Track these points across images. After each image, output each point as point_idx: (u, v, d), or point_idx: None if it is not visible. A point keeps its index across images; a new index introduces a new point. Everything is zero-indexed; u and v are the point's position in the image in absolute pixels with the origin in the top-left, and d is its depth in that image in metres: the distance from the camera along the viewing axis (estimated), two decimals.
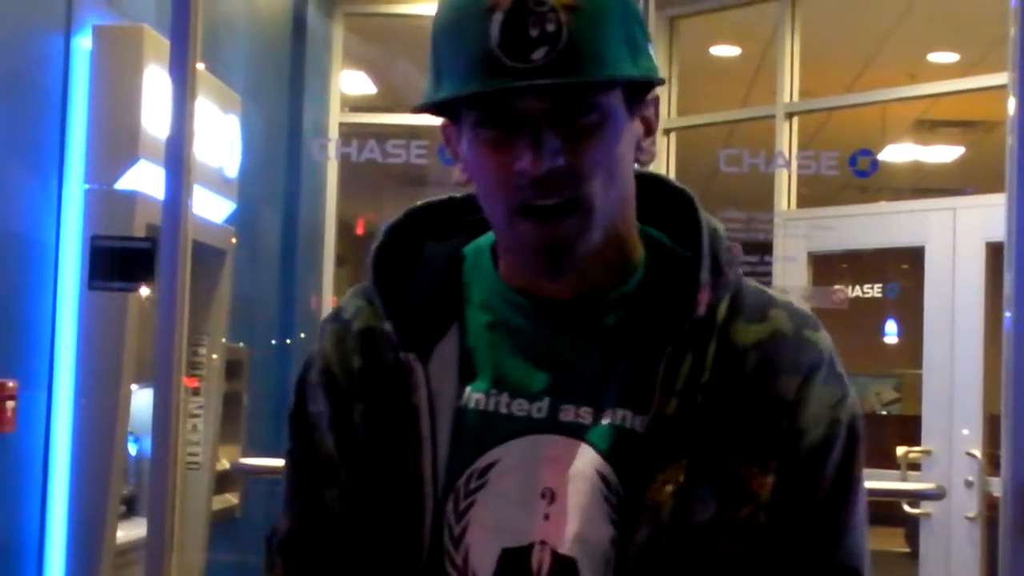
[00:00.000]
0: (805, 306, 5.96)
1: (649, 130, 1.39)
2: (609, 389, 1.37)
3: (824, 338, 1.46)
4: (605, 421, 1.36)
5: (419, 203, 1.49)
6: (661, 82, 1.36)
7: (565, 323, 1.39)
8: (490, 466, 1.37)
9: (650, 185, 1.47)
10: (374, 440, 1.40)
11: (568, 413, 1.37)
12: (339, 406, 1.44)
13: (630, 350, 1.38)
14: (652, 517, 1.33)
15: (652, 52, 1.37)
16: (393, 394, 1.39)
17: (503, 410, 1.38)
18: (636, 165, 1.40)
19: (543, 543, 1.35)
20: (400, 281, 1.44)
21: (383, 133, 6.52)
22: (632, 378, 1.37)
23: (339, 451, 1.43)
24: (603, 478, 1.35)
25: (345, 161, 6.50)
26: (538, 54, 1.26)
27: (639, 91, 1.36)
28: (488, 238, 1.47)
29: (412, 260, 1.46)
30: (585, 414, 1.37)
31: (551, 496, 1.36)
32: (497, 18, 1.27)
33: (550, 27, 1.27)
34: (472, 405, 1.39)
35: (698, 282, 1.37)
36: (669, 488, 1.32)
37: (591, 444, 1.36)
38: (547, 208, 1.30)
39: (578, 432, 1.37)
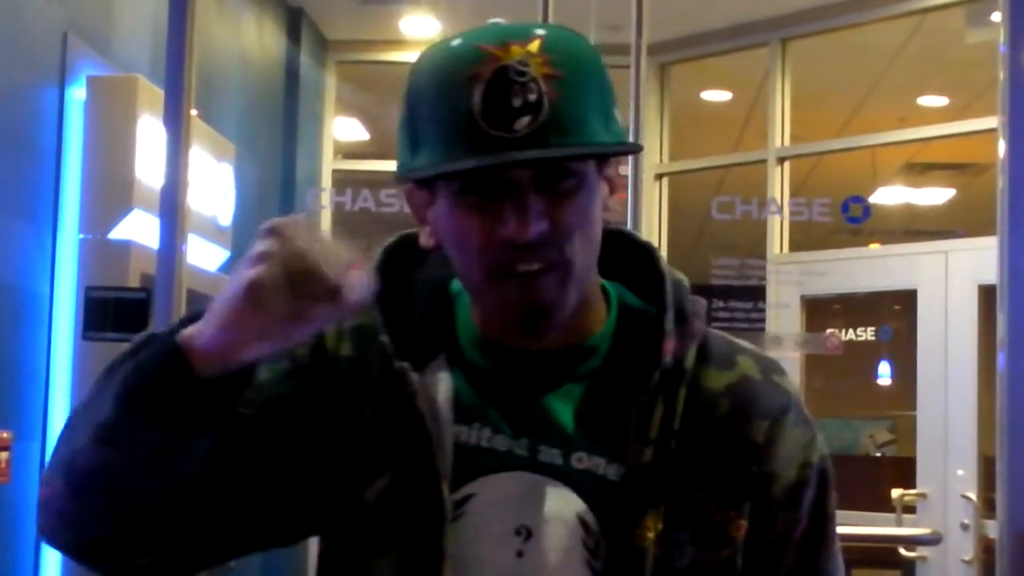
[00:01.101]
0: (799, 352, 5.96)
1: (613, 188, 1.42)
2: (583, 437, 1.39)
3: (791, 382, 1.49)
4: (581, 467, 1.38)
5: (411, 231, 1.49)
6: (638, 149, 1.39)
7: (538, 373, 1.41)
8: (467, 499, 1.38)
9: (615, 240, 1.49)
10: (382, 440, 1.40)
11: (546, 455, 1.39)
12: (311, 372, 1.43)
13: (602, 400, 1.41)
14: (635, 564, 1.34)
15: (618, 115, 1.39)
16: (392, 398, 1.40)
17: (484, 444, 1.39)
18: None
19: None
20: (392, 300, 1.44)
21: (376, 181, 6.55)
22: (606, 427, 1.39)
23: (278, 406, 1.40)
24: (583, 523, 1.37)
25: (339, 209, 6.52)
26: (520, 124, 1.28)
27: (607, 154, 1.39)
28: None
29: (403, 283, 1.46)
30: (556, 456, 1.39)
31: (527, 533, 1.37)
32: (479, 88, 1.28)
33: (532, 97, 1.28)
34: (453, 436, 1.40)
35: (663, 332, 1.40)
36: (650, 535, 1.35)
37: (571, 487, 1.38)
38: (530, 272, 1.32)
39: (557, 474, 1.38)
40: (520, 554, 1.37)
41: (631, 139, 3.90)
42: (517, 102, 1.28)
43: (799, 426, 1.44)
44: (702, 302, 1.46)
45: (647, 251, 1.49)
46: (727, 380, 1.42)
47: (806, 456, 1.44)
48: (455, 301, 1.47)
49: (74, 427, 1.32)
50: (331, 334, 1.44)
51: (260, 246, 1.20)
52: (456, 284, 1.47)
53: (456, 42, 1.33)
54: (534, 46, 1.30)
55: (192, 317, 1.27)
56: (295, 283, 1.18)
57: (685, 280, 1.47)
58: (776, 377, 1.46)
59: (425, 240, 1.41)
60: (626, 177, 3.94)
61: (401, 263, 1.47)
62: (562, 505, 1.37)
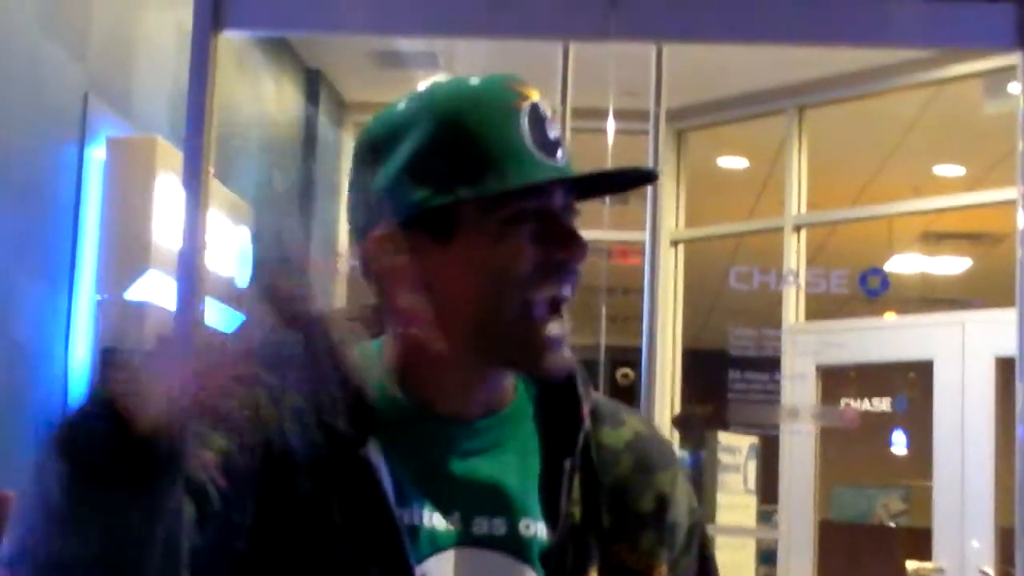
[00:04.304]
0: (817, 425, 5.94)
1: None
2: (520, 505, 1.40)
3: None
4: (525, 534, 1.39)
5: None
6: (655, 176, 1.45)
7: (467, 439, 1.41)
8: None
9: None
10: (339, 524, 1.34)
11: (487, 526, 1.39)
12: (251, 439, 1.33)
13: (529, 466, 1.42)
14: None
15: None
16: (350, 483, 1.35)
17: (425, 524, 1.37)
18: None
19: None
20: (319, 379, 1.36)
21: None
22: (538, 492, 1.41)
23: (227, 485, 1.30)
24: None
25: (354, 272, 6.52)
26: (560, 153, 1.35)
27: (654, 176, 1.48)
28: (370, 351, 1.43)
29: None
30: (499, 526, 1.39)
31: None
32: (523, 120, 1.34)
33: (557, 133, 1.37)
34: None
35: (578, 396, 1.44)
36: None
37: (514, 556, 1.38)
38: (563, 299, 1.36)
39: (499, 544, 1.38)
40: None
41: (648, 206, 3.90)
42: (553, 135, 1.35)
43: (685, 473, 1.54)
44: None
45: None
46: (624, 437, 1.48)
47: (691, 501, 1.52)
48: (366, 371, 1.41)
49: (27, 520, 1.19)
50: (276, 390, 1.36)
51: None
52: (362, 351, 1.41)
53: (476, 81, 1.38)
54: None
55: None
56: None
57: None
58: (659, 431, 1.56)
59: (408, 294, 1.37)
60: (641, 243, 3.93)
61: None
62: (509, 574, 1.38)
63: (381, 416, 1.37)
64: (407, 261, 1.37)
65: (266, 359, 1.23)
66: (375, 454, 1.35)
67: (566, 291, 1.36)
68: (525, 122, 1.33)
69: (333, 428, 1.35)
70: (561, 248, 1.34)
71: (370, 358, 1.41)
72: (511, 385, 1.45)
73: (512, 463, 1.42)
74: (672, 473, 1.49)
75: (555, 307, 1.35)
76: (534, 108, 1.35)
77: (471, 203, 1.33)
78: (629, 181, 1.43)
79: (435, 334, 1.38)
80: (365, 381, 1.33)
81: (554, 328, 1.35)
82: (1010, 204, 3.68)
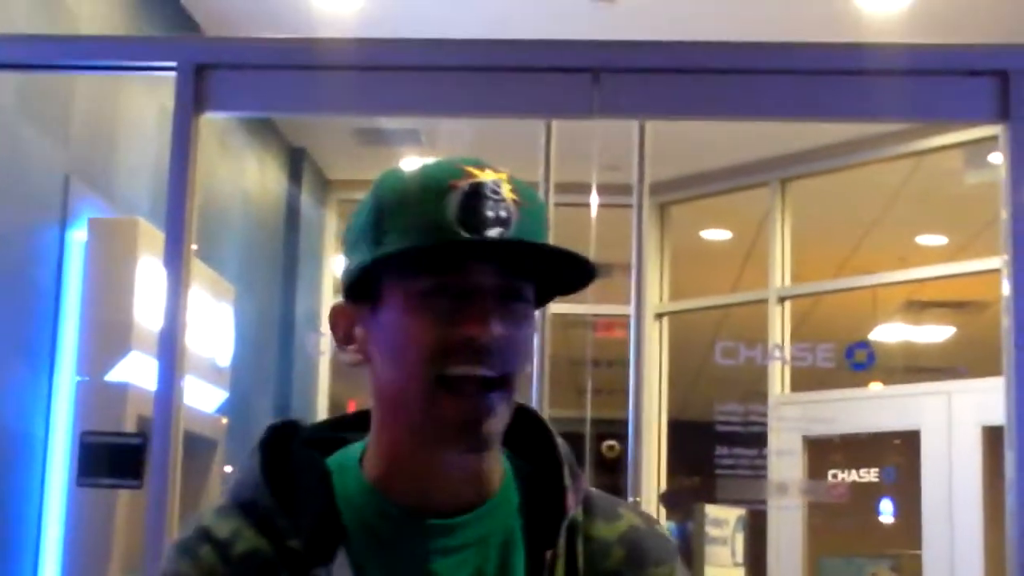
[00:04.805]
0: (804, 500, 5.92)
1: None
2: None
3: (668, 531, 1.57)
4: None
5: (277, 422, 1.49)
6: (593, 273, 1.37)
7: (447, 537, 1.39)
8: None
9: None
10: None
11: None
12: None
13: (514, 557, 1.41)
14: None
15: None
16: None
17: None
18: None
19: None
20: (281, 499, 1.40)
21: None
22: None
23: None
24: None
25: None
26: (493, 231, 1.33)
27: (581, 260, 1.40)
28: (352, 453, 1.45)
29: (286, 478, 1.42)
30: None
31: None
32: (456, 195, 1.34)
33: (503, 213, 1.34)
34: None
35: (564, 487, 1.42)
36: None
37: None
38: (481, 379, 1.33)
39: None
40: None
41: (633, 280, 3.89)
42: (491, 214, 1.33)
43: (685, 569, 1.50)
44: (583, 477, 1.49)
45: (525, 411, 1.49)
46: (617, 531, 1.45)
47: None
48: (342, 474, 1.43)
49: None
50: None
51: None
52: (336, 458, 1.44)
53: (428, 162, 1.39)
54: (504, 174, 1.37)
55: None
56: None
57: (564, 442, 1.49)
58: (658, 527, 1.52)
59: (350, 359, 1.42)
60: (626, 316, 3.92)
61: (279, 454, 1.44)
62: None
63: (358, 522, 1.38)
64: (348, 333, 1.42)
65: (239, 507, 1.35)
66: (342, 568, 1.34)
67: (483, 371, 1.33)
68: (454, 199, 1.33)
69: (291, 551, 1.35)
70: (470, 327, 1.32)
71: (350, 461, 1.43)
72: (491, 474, 1.42)
73: (495, 558, 1.40)
74: (669, 569, 1.46)
75: (471, 386, 1.33)
76: (476, 187, 1.34)
77: (392, 274, 1.35)
78: (578, 277, 1.39)
79: (380, 412, 1.41)
80: (327, 494, 1.37)
81: (468, 407, 1.33)
82: (993, 272, 3.68)
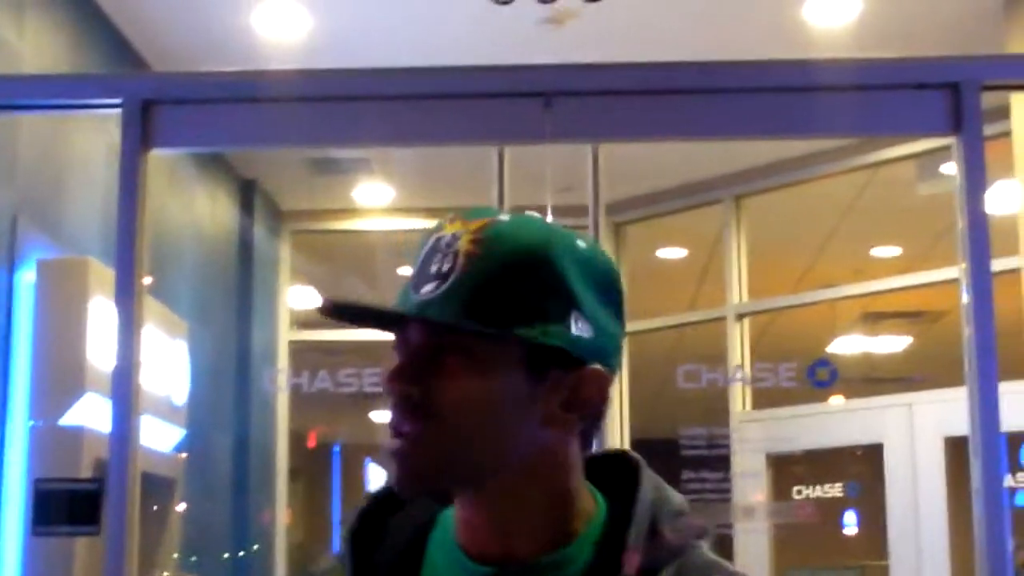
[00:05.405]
0: (771, 523, 5.89)
1: (570, 402, 1.36)
2: None
3: None
4: None
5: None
6: (578, 350, 1.34)
7: None
8: None
9: (614, 461, 1.46)
10: None
11: None
12: None
13: None
14: None
15: (576, 320, 1.35)
16: None
17: None
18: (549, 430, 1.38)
19: None
20: (368, 554, 1.42)
21: (334, 350, 6.48)
22: None
23: None
24: None
25: (296, 390, 6.45)
26: (427, 288, 1.32)
27: (552, 355, 1.34)
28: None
29: (377, 535, 1.44)
30: None
31: None
32: (422, 251, 1.35)
33: (445, 267, 1.32)
34: None
35: (624, 543, 1.35)
36: None
37: None
38: (392, 431, 1.34)
39: None
40: None
41: None
42: (434, 268, 1.33)
43: None
44: (691, 523, 1.41)
45: (630, 465, 1.45)
46: None
47: None
48: (443, 522, 1.43)
49: None
50: None
51: None
52: (447, 509, 1.44)
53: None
54: (476, 225, 1.34)
55: None
56: None
57: (676, 499, 1.42)
58: None
59: None
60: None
61: (379, 514, 1.46)
62: None
63: (442, 567, 1.39)
64: None
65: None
66: None
67: (391, 419, 1.34)
68: (421, 253, 1.35)
69: None
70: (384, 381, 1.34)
71: (447, 519, 1.44)
72: (508, 525, 1.38)
73: None
74: None
75: (393, 431, 1.33)
76: (436, 240, 1.34)
77: None
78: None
79: None
80: (410, 544, 1.42)
81: (392, 450, 1.33)
82: (949, 283, 3.68)
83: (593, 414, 1.39)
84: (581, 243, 1.36)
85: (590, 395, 1.36)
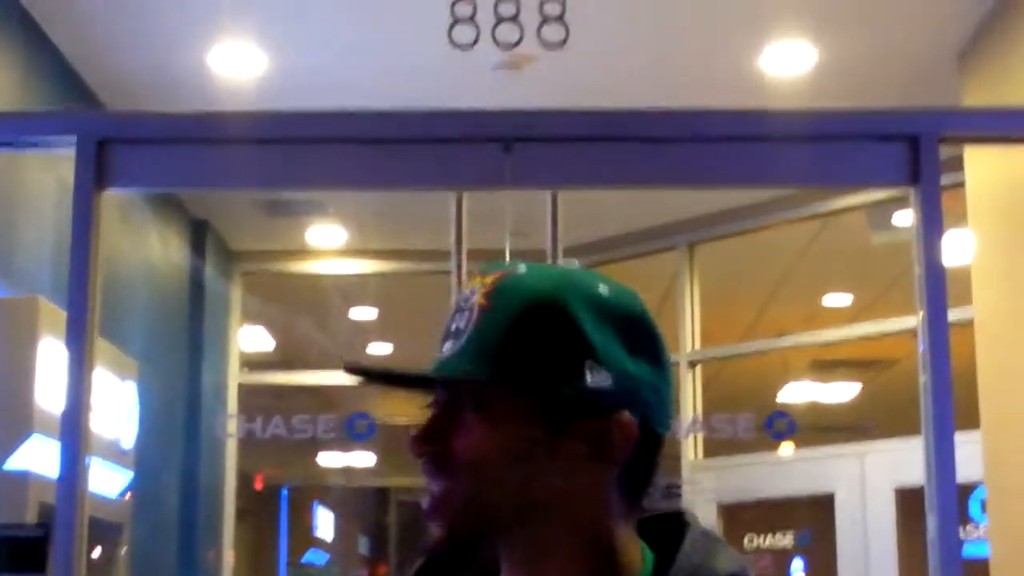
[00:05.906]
0: None
1: (596, 451, 1.34)
2: None
3: None
4: None
5: None
6: (596, 397, 1.32)
7: None
8: None
9: (671, 520, 1.44)
10: None
11: None
12: None
13: None
14: None
15: (590, 372, 1.31)
16: None
17: None
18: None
19: None
20: None
21: (283, 393, 6.43)
22: None
23: None
24: None
25: (250, 436, 6.39)
26: (447, 346, 1.33)
27: (571, 404, 1.32)
28: None
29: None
30: None
31: None
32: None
33: (460, 324, 1.32)
34: None
35: None
36: None
37: None
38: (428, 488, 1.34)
39: None
40: None
41: None
42: (452, 327, 1.33)
43: None
44: None
45: (682, 523, 1.42)
46: None
47: None
48: None
49: None
50: None
51: None
52: None
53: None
54: (490, 279, 1.34)
55: None
56: None
57: (725, 563, 1.38)
58: None
59: None
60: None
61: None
62: None
63: None
64: None
65: None
66: None
67: (425, 479, 1.35)
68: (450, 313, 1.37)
69: None
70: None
71: None
72: (585, 574, 1.35)
73: None
74: None
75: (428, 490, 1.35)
76: (459, 298, 1.35)
77: None
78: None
79: None
80: None
81: (424, 510, 1.35)
82: (902, 333, 3.68)
83: (626, 461, 1.35)
84: (603, 287, 1.33)
85: (617, 443, 1.32)
